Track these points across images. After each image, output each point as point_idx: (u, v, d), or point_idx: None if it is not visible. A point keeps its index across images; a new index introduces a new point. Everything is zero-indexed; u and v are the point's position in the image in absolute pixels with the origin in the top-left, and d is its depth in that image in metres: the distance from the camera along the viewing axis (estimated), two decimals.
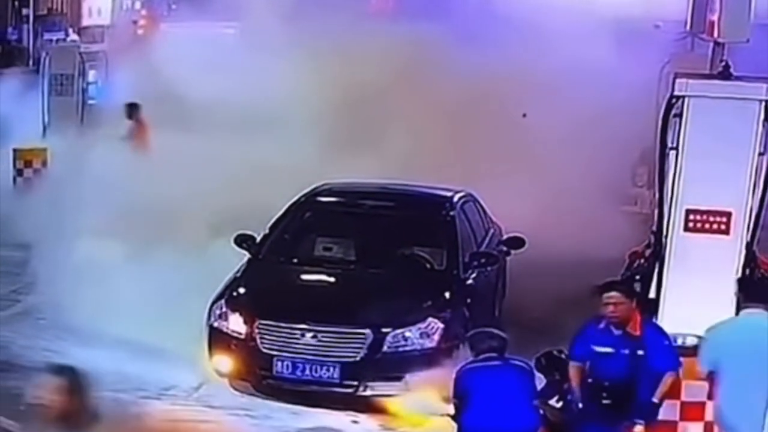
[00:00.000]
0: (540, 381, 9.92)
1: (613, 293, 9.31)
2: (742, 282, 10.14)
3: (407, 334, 11.50)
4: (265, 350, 11.59)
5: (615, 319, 9.29)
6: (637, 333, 9.30)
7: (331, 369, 11.40)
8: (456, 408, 9.70)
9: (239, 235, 12.87)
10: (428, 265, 12.64)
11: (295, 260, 12.89)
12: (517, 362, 9.60)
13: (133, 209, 15.42)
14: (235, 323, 11.82)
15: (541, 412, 9.64)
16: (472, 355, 9.76)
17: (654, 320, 10.02)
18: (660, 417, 9.95)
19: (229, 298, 12.10)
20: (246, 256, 12.81)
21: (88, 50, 21.48)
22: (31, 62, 20.99)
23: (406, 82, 17.98)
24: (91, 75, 21.44)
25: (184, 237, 14.53)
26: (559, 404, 9.77)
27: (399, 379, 11.35)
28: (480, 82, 17.85)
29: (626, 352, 9.26)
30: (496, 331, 10.07)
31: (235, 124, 17.62)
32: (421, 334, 11.53)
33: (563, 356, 9.89)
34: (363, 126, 17.47)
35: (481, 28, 18.67)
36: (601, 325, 9.40)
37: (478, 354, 9.68)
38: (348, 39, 18.28)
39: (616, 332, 9.33)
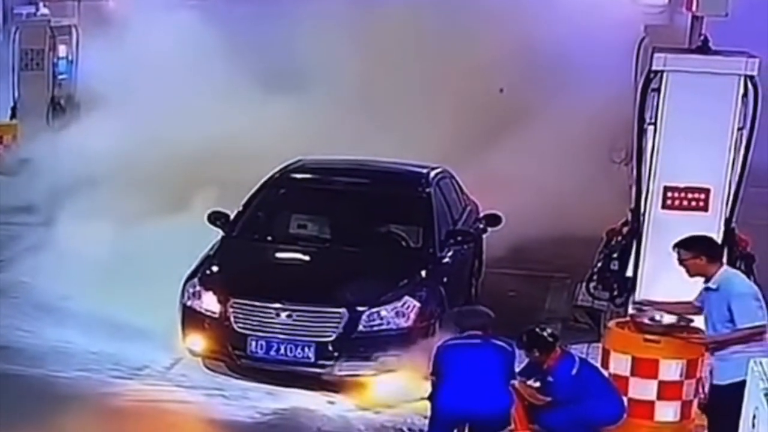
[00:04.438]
0: (522, 359, 9.86)
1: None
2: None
3: (383, 313, 11.37)
4: (239, 329, 11.46)
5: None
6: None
7: (306, 349, 11.28)
8: (432, 384, 9.63)
9: (213, 213, 12.76)
10: (404, 243, 12.52)
11: (270, 238, 12.76)
12: (497, 341, 9.50)
13: (107, 186, 15.34)
14: (209, 302, 11.68)
15: (519, 390, 9.59)
16: (457, 332, 9.67)
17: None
18: (637, 396, 9.94)
19: (202, 276, 11.97)
20: (220, 233, 12.68)
21: (58, 24, 21.24)
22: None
23: (387, 57, 17.91)
24: (62, 50, 21.22)
25: (159, 214, 14.42)
26: (537, 383, 9.70)
27: (375, 358, 11.26)
28: (456, 57, 17.77)
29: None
30: (481, 308, 10.00)
31: (211, 97, 17.52)
32: (396, 313, 11.41)
33: (545, 333, 9.81)
34: (346, 99, 17.42)
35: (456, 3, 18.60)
36: None
37: (463, 331, 9.59)
38: (329, 16, 18.22)
39: None
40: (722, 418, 8.80)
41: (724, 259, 10.19)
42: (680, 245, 9.36)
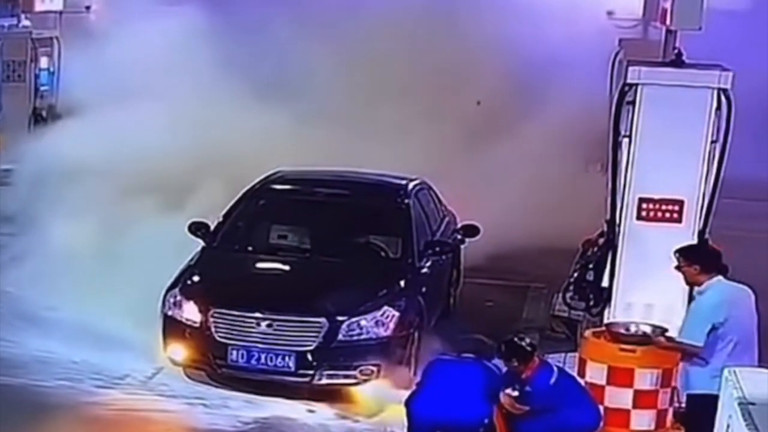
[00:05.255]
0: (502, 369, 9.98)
1: None
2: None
3: (362, 322, 11.48)
4: (219, 339, 11.55)
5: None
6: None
7: (286, 358, 11.38)
8: (414, 391, 9.78)
9: (193, 223, 12.82)
10: (383, 254, 12.64)
11: (250, 248, 12.86)
12: (487, 363, 9.68)
13: (90, 196, 15.36)
14: (190, 312, 11.76)
15: (500, 400, 9.71)
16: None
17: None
18: (613, 405, 10.06)
19: (183, 286, 12.05)
20: (201, 243, 12.77)
21: (40, 36, 21.28)
22: None
23: (367, 69, 17.97)
24: (44, 61, 21.25)
25: (142, 224, 14.47)
26: (515, 393, 9.79)
27: (354, 367, 11.37)
28: (435, 70, 17.85)
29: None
30: (480, 337, 10.15)
31: (193, 107, 17.55)
32: (376, 323, 11.51)
33: (524, 343, 9.91)
34: (325, 111, 17.48)
35: (433, 14, 18.68)
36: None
37: (459, 353, 9.82)
38: (310, 27, 18.28)
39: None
40: (697, 428, 8.94)
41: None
42: (679, 252, 9.67)
